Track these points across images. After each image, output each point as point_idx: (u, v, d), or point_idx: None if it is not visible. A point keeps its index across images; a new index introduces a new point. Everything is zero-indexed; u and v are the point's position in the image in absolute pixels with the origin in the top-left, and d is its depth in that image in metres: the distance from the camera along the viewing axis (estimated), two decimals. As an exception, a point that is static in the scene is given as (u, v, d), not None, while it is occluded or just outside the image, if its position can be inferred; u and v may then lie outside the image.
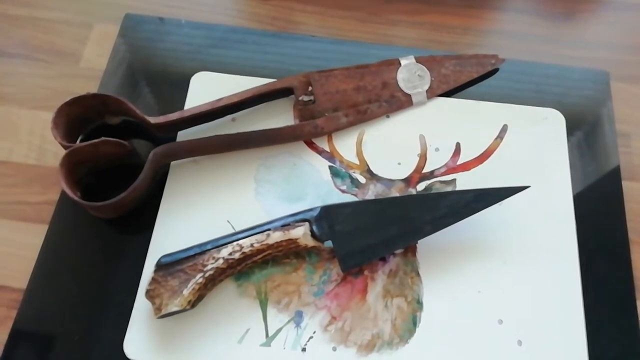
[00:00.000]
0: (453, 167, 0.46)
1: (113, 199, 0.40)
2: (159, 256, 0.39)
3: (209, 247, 0.39)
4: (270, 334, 0.40)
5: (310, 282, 0.41)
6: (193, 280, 0.38)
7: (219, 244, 0.39)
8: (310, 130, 0.45)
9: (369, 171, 0.45)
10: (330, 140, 0.46)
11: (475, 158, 0.46)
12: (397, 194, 0.44)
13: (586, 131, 0.49)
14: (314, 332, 0.40)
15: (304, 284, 0.41)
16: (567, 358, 0.40)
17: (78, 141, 0.45)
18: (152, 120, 0.43)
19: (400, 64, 0.49)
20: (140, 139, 0.46)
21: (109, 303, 0.41)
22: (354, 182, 0.45)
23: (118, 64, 0.50)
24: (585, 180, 0.47)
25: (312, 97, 0.46)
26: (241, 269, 0.40)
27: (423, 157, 0.46)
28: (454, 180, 0.45)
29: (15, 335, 0.40)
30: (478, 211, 0.41)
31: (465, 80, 0.49)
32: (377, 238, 0.41)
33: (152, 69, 0.50)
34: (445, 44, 0.53)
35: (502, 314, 0.41)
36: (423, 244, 0.43)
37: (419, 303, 0.41)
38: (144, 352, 0.39)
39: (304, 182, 0.45)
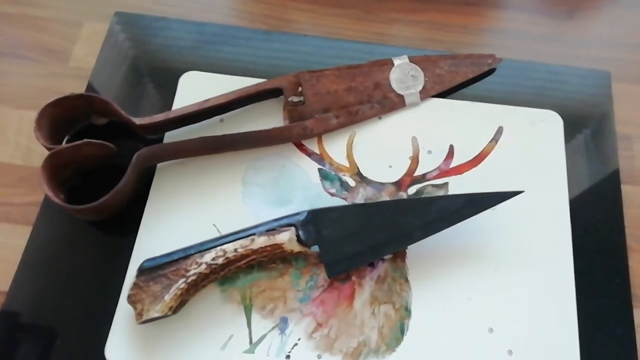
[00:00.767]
0: (445, 171, 0.44)
1: (95, 202, 0.39)
2: (143, 260, 0.39)
3: (192, 251, 0.39)
4: (254, 341, 0.39)
5: (296, 287, 0.40)
6: (175, 286, 0.37)
7: (202, 248, 0.39)
8: (299, 132, 0.44)
9: (359, 174, 0.44)
10: (320, 142, 0.45)
11: (469, 161, 0.45)
12: (388, 198, 0.43)
13: (585, 133, 0.47)
14: (299, 339, 0.39)
15: (290, 290, 0.40)
16: (560, 369, 0.39)
17: (64, 142, 0.44)
18: (138, 121, 0.42)
19: (393, 64, 0.47)
20: (128, 140, 0.45)
21: (91, 307, 0.40)
22: (344, 185, 0.44)
23: (107, 63, 0.49)
24: (583, 184, 0.45)
25: (301, 98, 0.45)
26: (225, 274, 0.39)
27: (415, 160, 0.45)
28: (446, 184, 0.44)
29: (-3, 339, 0.39)
30: (470, 216, 0.40)
31: (460, 81, 0.48)
32: (365, 243, 0.40)
33: (141, 68, 0.49)
34: (442, 43, 0.52)
35: (492, 322, 0.40)
36: (413, 250, 0.41)
37: (407, 310, 0.40)
38: (125, 358, 0.38)
39: (293, 185, 0.44)
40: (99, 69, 0.49)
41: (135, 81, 0.49)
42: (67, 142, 0.44)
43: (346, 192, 0.44)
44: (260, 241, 0.39)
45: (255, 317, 0.39)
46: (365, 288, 0.40)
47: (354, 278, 0.41)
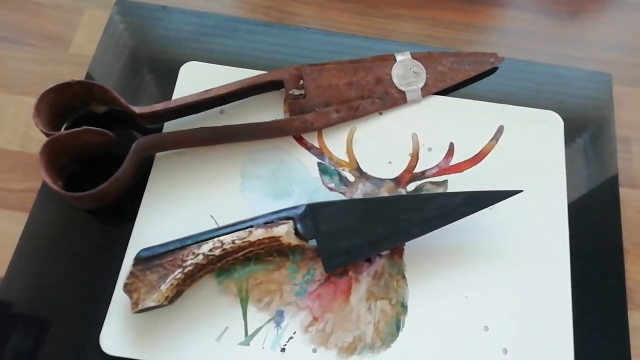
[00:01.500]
0: (445, 168, 0.44)
1: (93, 189, 0.39)
2: (140, 249, 0.39)
3: (189, 242, 0.38)
4: (249, 333, 0.39)
5: (293, 281, 0.40)
6: (172, 276, 0.37)
7: (199, 239, 0.38)
8: (299, 126, 0.44)
9: (359, 169, 0.44)
10: (320, 136, 0.45)
11: (469, 159, 0.45)
12: (386, 194, 0.43)
13: (585, 135, 0.47)
14: (294, 333, 0.39)
15: (287, 283, 0.40)
16: (553, 369, 0.39)
17: (63, 129, 0.44)
18: (137, 110, 0.42)
19: (395, 60, 0.47)
20: (127, 128, 0.45)
21: (87, 295, 0.40)
22: (343, 180, 0.44)
23: (107, 50, 0.49)
24: (582, 185, 0.45)
25: (302, 91, 0.45)
26: (222, 265, 0.39)
27: (415, 157, 0.45)
28: (445, 182, 0.44)
29: (-9, 325, 0.39)
30: (468, 214, 0.40)
31: (462, 79, 0.48)
32: (363, 238, 0.39)
33: (141, 57, 0.49)
34: (444, 40, 0.52)
35: (488, 320, 0.40)
36: (410, 246, 0.41)
37: (404, 306, 0.40)
38: (120, 347, 0.38)
39: (292, 179, 0.44)
40: (99, 56, 0.48)
41: (135, 70, 0.48)
42: (66, 129, 0.44)
43: (345, 187, 0.43)
44: (258, 233, 0.39)
45: (251, 309, 0.39)
46: (362, 283, 0.40)
47: (350, 273, 0.41)
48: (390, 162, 0.44)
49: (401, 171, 0.44)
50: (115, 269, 0.40)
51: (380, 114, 0.46)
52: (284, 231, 0.39)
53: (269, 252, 0.40)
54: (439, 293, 0.40)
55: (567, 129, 0.47)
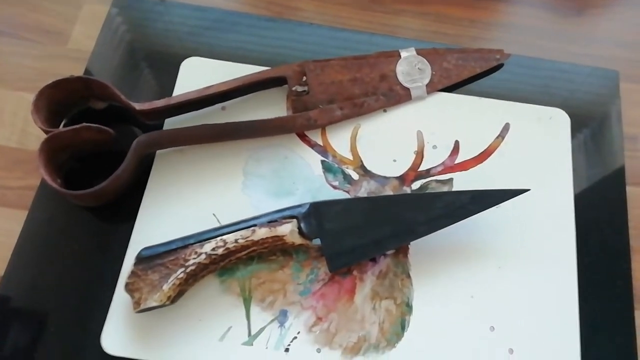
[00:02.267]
0: (450, 166, 0.44)
1: (93, 187, 0.38)
2: (140, 248, 0.38)
3: (191, 241, 0.38)
4: (252, 333, 0.38)
5: (296, 280, 0.40)
6: (174, 275, 0.37)
7: (202, 238, 0.38)
8: (303, 123, 0.44)
9: (363, 167, 0.44)
10: (323, 133, 0.45)
11: (475, 157, 0.44)
12: (391, 192, 0.43)
13: (592, 133, 0.47)
14: (298, 333, 0.38)
15: (290, 283, 0.40)
16: (560, 369, 0.38)
17: (61, 126, 0.43)
18: (138, 106, 0.41)
19: (400, 56, 0.47)
20: (127, 125, 0.44)
21: (87, 295, 0.39)
22: (347, 178, 0.43)
23: (106, 46, 0.48)
24: (588, 184, 0.45)
25: (306, 88, 0.44)
26: (225, 264, 0.39)
27: (420, 155, 0.44)
28: (450, 180, 0.43)
29: (-10, 324, 0.39)
30: (474, 213, 0.39)
31: (467, 76, 0.47)
32: (367, 238, 0.39)
33: (142, 52, 0.48)
34: (449, 36, 0.51)
35: (494, 320, 0.39)
36: (415, 246, 0.41)
37: (409, 306, 0.39)
38: (121, 347, 0.37)
39: (295, 177, 0.43)
40: (98, 51, 0.48)
41: (135, 66, 0.48)
42: (65, 126, 0.43)
43: (349, 185, 0.43)
44: (262, 232, 0.38)
45: (254, 309, 0.39)
46: (367, 283, 0.40)
47: (355, 272, 0.40)
48: (394, 160, 0.44)
49: (406, 169, 0.44)
50: (115, 268, 0.39)
51: (385, 111, 0.46)
52: (287, 230, 0.38)
53: (272, 251, 0.40)
54: (445, 293, 0.40)
55: (574, 127, 0.46)
